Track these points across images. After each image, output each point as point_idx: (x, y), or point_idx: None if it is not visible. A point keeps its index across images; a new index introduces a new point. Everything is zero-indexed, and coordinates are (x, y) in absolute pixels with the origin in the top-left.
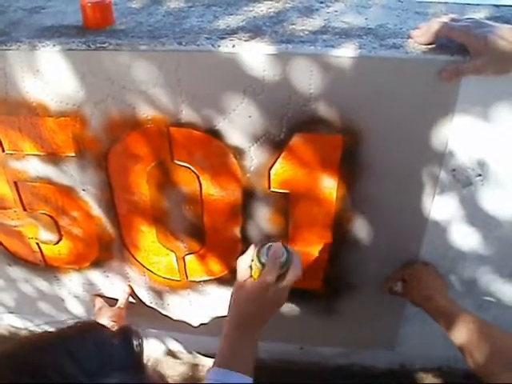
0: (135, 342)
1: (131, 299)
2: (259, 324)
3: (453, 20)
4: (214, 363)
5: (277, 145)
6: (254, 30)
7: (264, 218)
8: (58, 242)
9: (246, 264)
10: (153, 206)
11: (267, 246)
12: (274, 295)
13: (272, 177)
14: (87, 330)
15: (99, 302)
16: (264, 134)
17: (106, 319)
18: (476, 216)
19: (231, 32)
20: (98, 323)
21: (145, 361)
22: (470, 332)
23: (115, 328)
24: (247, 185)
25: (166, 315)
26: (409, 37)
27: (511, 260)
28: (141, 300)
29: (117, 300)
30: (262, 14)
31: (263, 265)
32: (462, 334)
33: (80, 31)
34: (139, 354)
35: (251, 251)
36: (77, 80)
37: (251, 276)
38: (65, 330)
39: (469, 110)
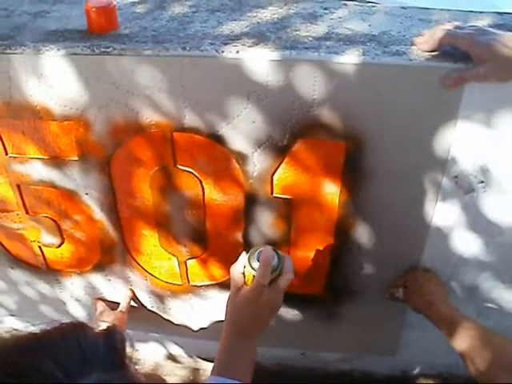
0: (118, 342)
1: (133, 303)
2: (256, 329)
3: (456, 27)
4: (213, 370)
5: (280, 150)
6: (258, 36)
7: (266, 223)
8: (60, 246)
9: (239, 271)
10: (155, 210)
11: (258, 251)
12: (268, 299)
13: (275, 182)
14: (70, 330)
15: (101, 305)
16: (267, 140)
17: (108, 323)
18: (478, 222)
19: (235, 38)
20: (83, 324)
21: (128, 359)
22: (472, 338)
23: None
24: (250, 190)
25: (167, 319)
26: (412, 44)
27: None
28: (142, 304)
29: (118, 304)
30: (266, 20)
31: (255, 270)
32: (463, 340)
33: (84, 36)
34: (122, 354)
35: (243, 258)
36: (81, 84)
37: (245, 283)
38: (48, 330)
39: (472, 117)
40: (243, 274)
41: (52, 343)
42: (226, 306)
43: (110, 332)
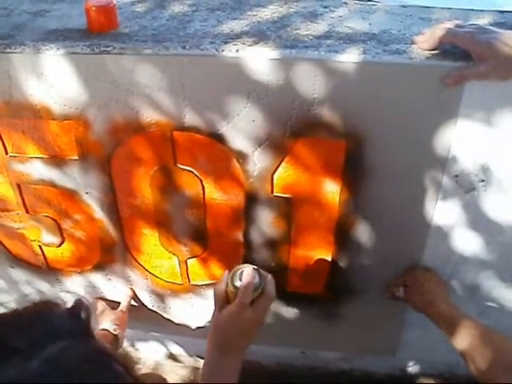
0: (84, 314)
1: (133, 302)
2: (239, 348)
3: (457, 26)
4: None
5: (280, 149)
6: (258, 35)
7: (267, 222)
8: (60, 245)
9: (222, 290)
10: (155, 209)
11: (240, 270)
12: (250, 318)
13: (275, 181)
14: (40, 307)
15: (101, 304)
16: (267, 139)
17: (109, 322)
18: (479, 221)
19: (235, 36)
20: (51, 301)
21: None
22: (472, 337)
23: (118, 331)
24: (250, 189)
25: (167, 318)
26: (412, 42)
27: None
28: (143, 303)
29: (119, 303)
30: (266, 19)
31: (237, 289)
32: (463, 339)
33: (84, 35)
34: (87, 324)
35: (226, 277)
36: (80, 83)
37: (228, 302)
38: (19, 309)
39: (472, 116)
40: (226, 292)
41: (22, 319)
42: (209, 325)
43: (76, 305)
